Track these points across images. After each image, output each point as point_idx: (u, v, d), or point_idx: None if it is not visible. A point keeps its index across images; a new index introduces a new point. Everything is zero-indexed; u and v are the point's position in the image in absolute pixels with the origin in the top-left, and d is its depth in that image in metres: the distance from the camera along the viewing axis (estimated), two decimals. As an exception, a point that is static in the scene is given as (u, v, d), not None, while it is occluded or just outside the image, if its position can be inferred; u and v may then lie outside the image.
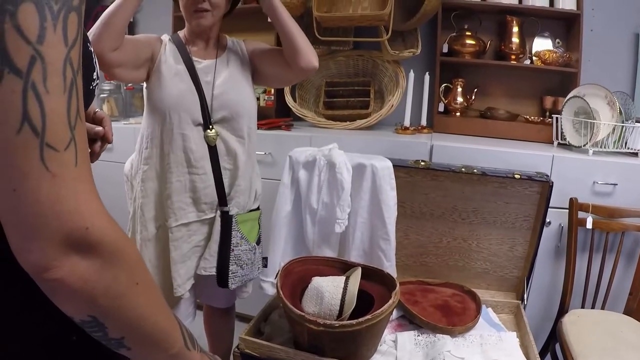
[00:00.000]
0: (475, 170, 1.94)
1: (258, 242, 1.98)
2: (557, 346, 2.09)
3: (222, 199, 1.84)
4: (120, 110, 3.49)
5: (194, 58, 1.83)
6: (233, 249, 1.85)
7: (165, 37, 1.85)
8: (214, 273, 1.87)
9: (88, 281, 0.55)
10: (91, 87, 0.78)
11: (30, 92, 0.50)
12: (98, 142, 0.98)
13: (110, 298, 0.58)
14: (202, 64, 1.83)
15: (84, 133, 0.57)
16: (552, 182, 1.90)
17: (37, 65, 0.51)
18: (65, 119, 0.53)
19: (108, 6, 1.66)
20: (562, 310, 2.19)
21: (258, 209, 2.00)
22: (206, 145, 1.81)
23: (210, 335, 2.28)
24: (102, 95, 3.45)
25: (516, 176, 1.92)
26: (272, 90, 3.10)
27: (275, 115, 3.04)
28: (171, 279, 1.83)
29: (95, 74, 0.79)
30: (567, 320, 2.05)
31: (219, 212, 1.85)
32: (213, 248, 1.86)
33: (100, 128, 0.97)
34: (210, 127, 1.80)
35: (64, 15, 0.53)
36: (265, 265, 2.06)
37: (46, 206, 0.51)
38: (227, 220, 1.84)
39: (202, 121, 1.79)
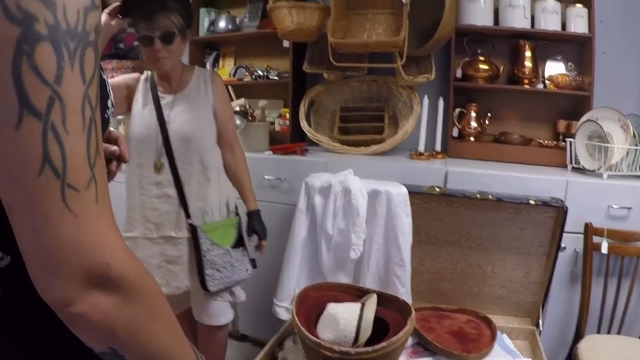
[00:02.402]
0: (490, 196, 1.95)
1: (236, 246, 2.16)
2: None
3: (187, 213, 2.06)
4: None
5: (161, 95, 2.08)
6: (204, 255, 2.04)
7: (142, 77, 2.14)
8: (185, 288, 2.10)
9: (108, 315, 0.55)
10: (106, 116, 0.78)
11: (50, 133, 0.50)
12: (114, 161, 0.97)
13: (131, 332, 0.58)
14: (165, 100, 2.07)
15: (103, 168, 0.58)
16: (567, 208, 1.91)
17: (56, 106, 0.51)
18: (85, 158, 0.54)
19: (125, 30, 1.82)
20: (578, 336, 2.18)
21: (234, 216, 2.22)
22: (157, 173, 2.06)
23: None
24: (118, 117, 3.49)
25: (531, 202, 1.93)
26: (287, 115, 3.15)
27: (290, 140, 3.09)
28: None
29: (109, 101, 0.80)
30: (584, 346, 2.04)
31: (186, 225, 2.06)
32: (180, 265, 2.09)
33: (115, 147, 0.95)
34: (158, 158, 2.05)
35: (81, 52, 0.53)
36: (254, 267, 2.23)
37: (68, 245, 0.52)
38: (194, 231, 2.05)
39: (157, 152, 2.05)
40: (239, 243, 2.18)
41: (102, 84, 0.76)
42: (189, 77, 2.12)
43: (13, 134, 0.50)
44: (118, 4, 1.85)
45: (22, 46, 0.49)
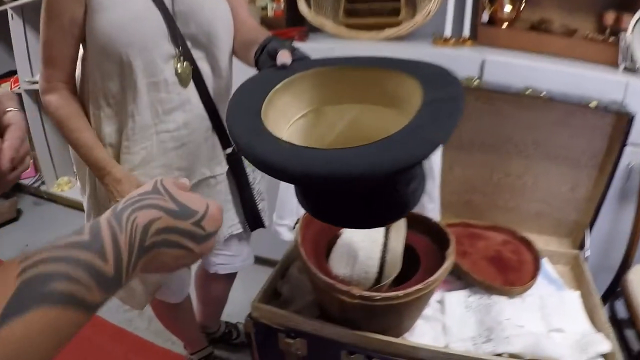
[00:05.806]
0: (542, 94, 1.56)
1: None
2: (618, 302, 1.82)
3: (224, 140, 1.51)
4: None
5: None
6: (253, 187, 1.64)
7: None
8: (240, 229, 1.67)
9: None
10: None
11: None
12: None
13: None
14: None
15: None
16: (633, 115, 1.54)
17: None
18: None
19: None
20: (626, 264, 1.88)
21: None
22: (180, 87, 1.35)
23: (205, 304, 2.08)
24: None
25: (591, 105, 1.55)
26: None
27: (286, 26, 2.66)
28: None
29: None
30: (634, 278, 1.75)
31: (224, 158, 1.55)
32: (230, 209, 1.63)
33: None
34: (181, 58, 1.32)
35: None
36: None
37: None
38: (236, 161, 1.56)
39: (173, 52, 1.31)
40: None
41: None
42: None
43: None
44: None
45: None
